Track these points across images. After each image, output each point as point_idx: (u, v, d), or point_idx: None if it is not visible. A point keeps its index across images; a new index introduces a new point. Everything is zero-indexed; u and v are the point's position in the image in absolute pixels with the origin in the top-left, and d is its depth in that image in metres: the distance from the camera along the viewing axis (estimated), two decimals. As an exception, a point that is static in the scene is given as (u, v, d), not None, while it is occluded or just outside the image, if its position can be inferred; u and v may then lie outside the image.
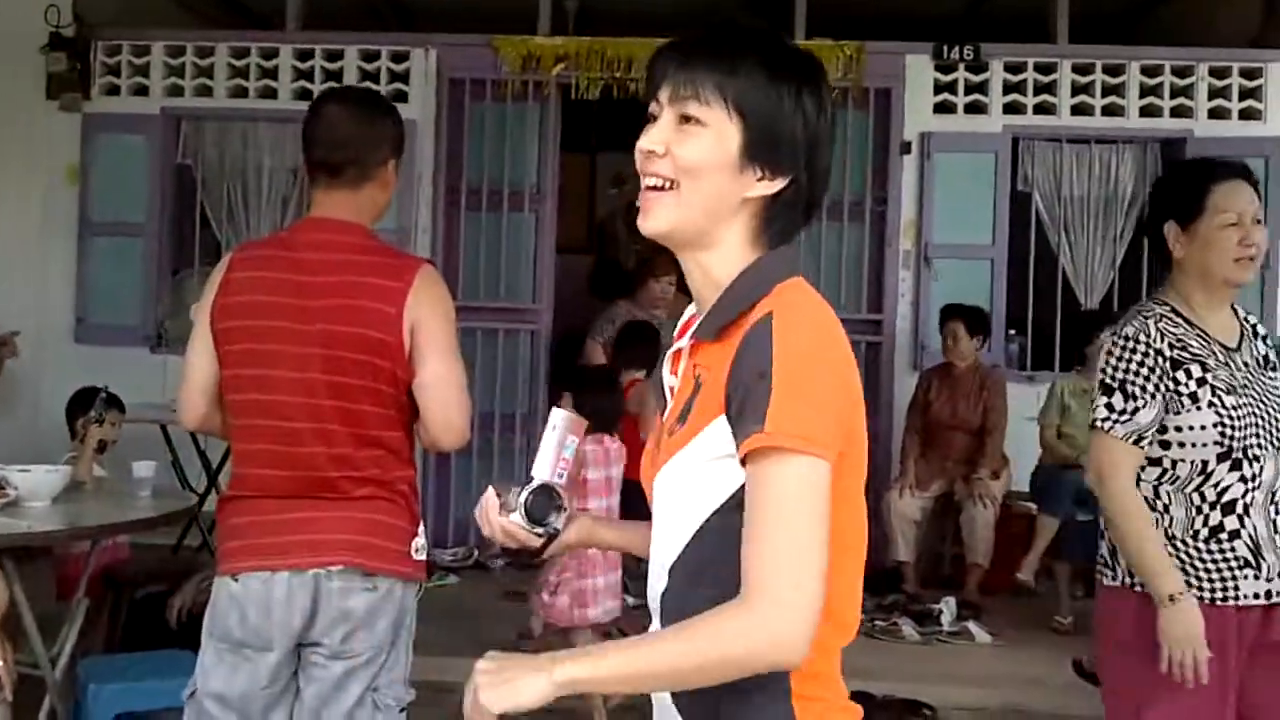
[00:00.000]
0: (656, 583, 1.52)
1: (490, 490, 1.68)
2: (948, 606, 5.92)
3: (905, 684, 5.06)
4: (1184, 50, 7.20)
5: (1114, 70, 7.19)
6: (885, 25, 7.34)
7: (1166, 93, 7.16)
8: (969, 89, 7.22)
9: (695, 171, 1.45)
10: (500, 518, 1.65)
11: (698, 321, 1.50)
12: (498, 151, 7.29)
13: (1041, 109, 7.21)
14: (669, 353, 1.57)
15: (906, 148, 7.17)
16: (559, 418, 1.68)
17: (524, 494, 1.64)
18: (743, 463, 1.36)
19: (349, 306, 2.50)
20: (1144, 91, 7.19)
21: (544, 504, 1.64)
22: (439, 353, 2.54)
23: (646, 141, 1.47)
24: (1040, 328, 7.32)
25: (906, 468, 6.63)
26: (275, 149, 7.40)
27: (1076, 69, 7.19)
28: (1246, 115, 7.08)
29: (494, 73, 7.21)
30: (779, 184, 1.47)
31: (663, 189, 1.46)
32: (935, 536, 6.83)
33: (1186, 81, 7.16)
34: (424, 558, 2.63)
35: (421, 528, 2.64)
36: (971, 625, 5.81)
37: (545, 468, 1.65)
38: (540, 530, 1.64)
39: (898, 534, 6.49)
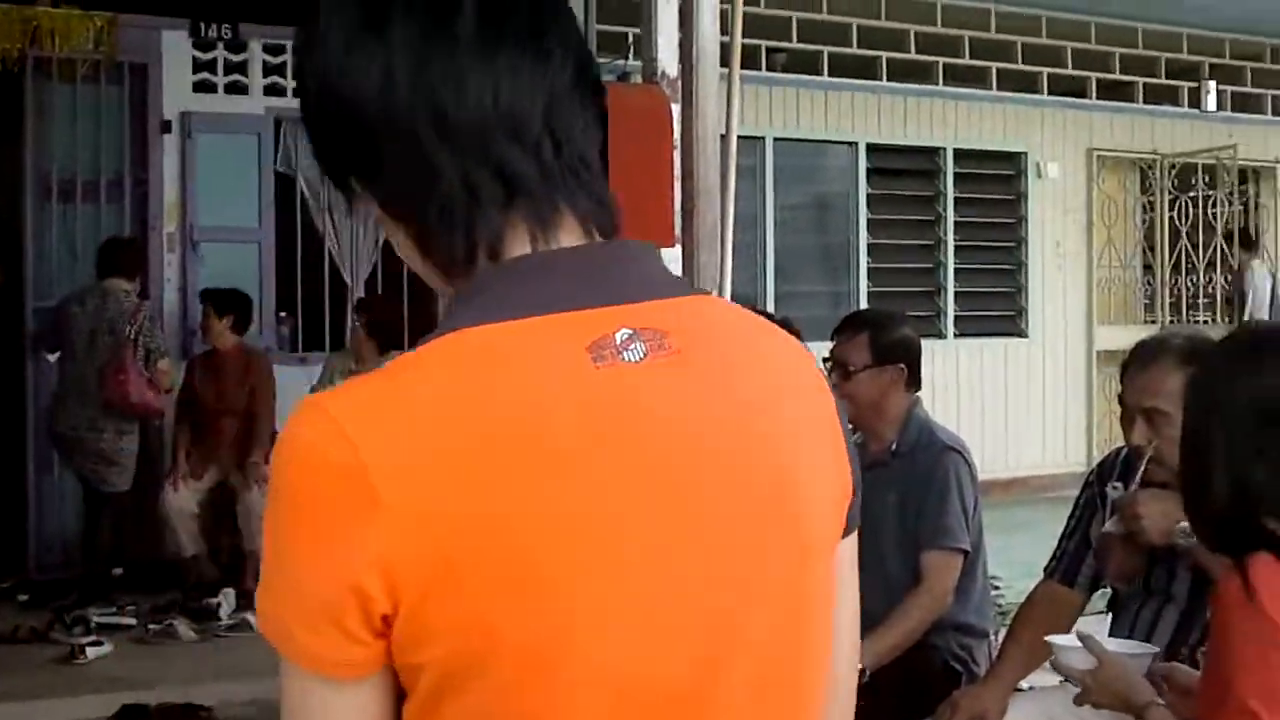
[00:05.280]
0: None
1: None
2: (226, 599, 5.91)
3: (182, 687, 4.98)
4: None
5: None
6: (140, -2, 7.03)
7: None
8: (229, 68, 7.14)
9: None
10: None
11: None
12: None
13: (303, 92, 7.31)
14: None
15: (166, 126, 6.96)
16: None
17: None
18: None
19: None
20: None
21: None
22: None
23: None
24: (310, 309, 7.47)
25: (179, 459, 6.48)
26: None
27: (335, 55, 7.36)
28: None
29: None
30: None
31: None
32: (215, 528, 6.77)
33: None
34: None
35: None
36: (250, 615, 5.85)
37: None
38: None
39: (179, 529, 6.35)
